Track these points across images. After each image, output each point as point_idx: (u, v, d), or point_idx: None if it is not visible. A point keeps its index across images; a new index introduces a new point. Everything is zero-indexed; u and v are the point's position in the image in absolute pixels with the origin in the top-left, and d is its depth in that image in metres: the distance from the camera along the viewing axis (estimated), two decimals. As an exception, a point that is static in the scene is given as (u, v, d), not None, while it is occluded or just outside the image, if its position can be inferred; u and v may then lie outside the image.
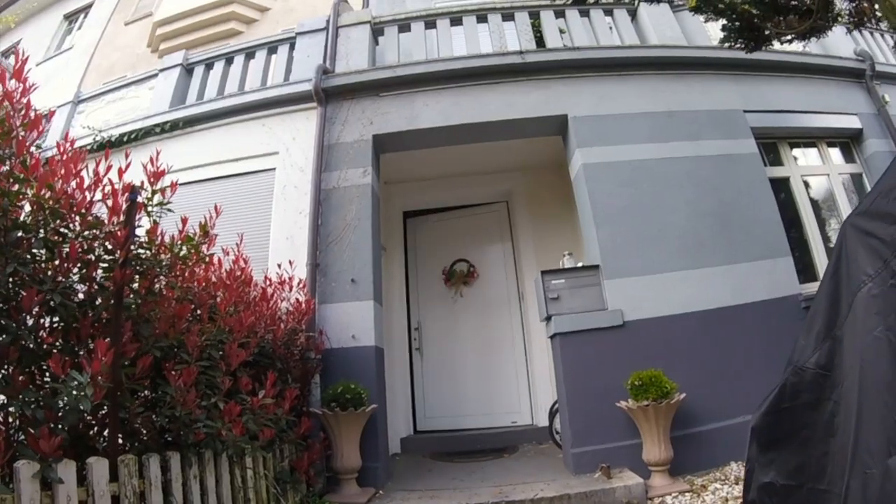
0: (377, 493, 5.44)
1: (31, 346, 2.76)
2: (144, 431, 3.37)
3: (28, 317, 2.71)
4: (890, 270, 1.73)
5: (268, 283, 5.25)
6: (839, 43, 8.06)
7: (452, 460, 6.94)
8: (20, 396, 2.51)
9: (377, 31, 7.95)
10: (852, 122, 7.52)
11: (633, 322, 5.86)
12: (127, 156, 3.60)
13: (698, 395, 5.44)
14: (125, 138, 7.70)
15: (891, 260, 1.74)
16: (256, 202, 6.88)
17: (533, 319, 7.75)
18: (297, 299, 5.64)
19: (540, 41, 7.61)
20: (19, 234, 2.71)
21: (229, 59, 8.26)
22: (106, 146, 3.77)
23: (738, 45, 5.98)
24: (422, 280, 9.08)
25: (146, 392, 3.43)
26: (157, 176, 3.68)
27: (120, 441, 3.12)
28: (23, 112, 2.93)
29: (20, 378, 2.55)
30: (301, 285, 5.83)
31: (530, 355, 8.25)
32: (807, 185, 7.23)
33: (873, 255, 1.82)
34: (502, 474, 5.90)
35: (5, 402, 2.65)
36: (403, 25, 7.86)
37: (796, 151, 7.43)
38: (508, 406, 8.28)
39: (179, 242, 3.86)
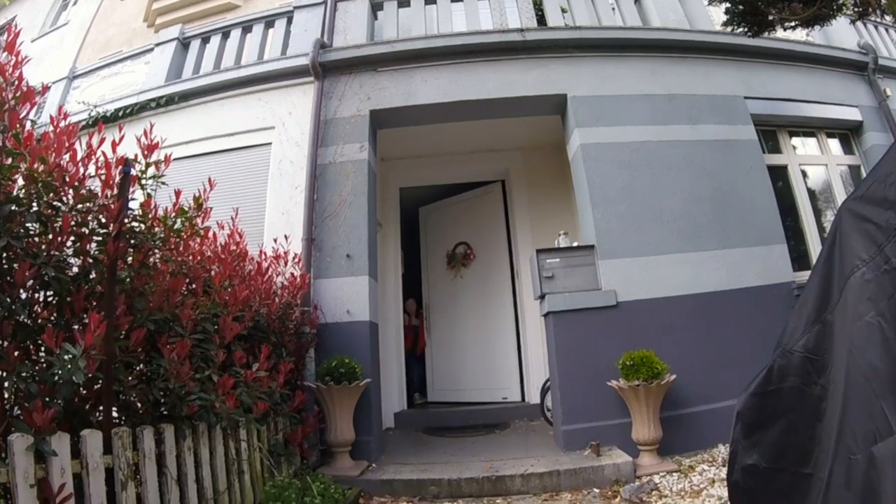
0: (370, 466, 5.51)
1: (26, 320, 2.76)
2: (139, 404, 3.38)
3: (22, 291, 2.70)
4: (884, 256, 1.73)
5: (263, 257, 5.24)
6: (843, 34, 8.05)
7: (444, 435, 7.02)
8: (15, 371, 2.52)
9: (376, 5, 7.85)
10: (853, 114, 7.53)
11: (626, 303, 5.89)
12: (120, 129, 3.57)
13: (689, 377, 5.49)
14: (120, 113, 7.66)
15: (885, 245, 1.73)
16: (252, 177, 6.86)
17: (527, 298, 7.80)
18: (293, 274, 5.64)
19: (541, 19, 7.54)
20: (12, 207, 2.68)
21: (226, 34, 8.17)
22: (100, 121, 3.72)
23: (740, 30, 5.96)
24: (425, 262, 9.54)
25: (141, 365, 3.45)
26: (150, 149, 3.64)
27: (115, 414, 3.12)
28: (15, 85, 2.90)
29: (15, 353, 2.55)
30: (296, 260, 5.83)
31: (523, 333, 8.32)
32: (804, 174, 7.24)
33: (868, 240, 1.82)
34: (493, 450, 5.97)
35: (1, 377, 2.65)
36: (403, 0, 7.78)
37: (795, 140, 7.43)
38: (501, 382, 8.42)
39: (173, 215, 3.84)
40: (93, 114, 7.63)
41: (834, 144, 7.62)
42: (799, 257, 6.63)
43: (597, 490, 4.80)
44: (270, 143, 6.93)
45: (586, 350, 5.71)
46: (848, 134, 7.69)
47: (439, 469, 5.28)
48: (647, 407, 5.12)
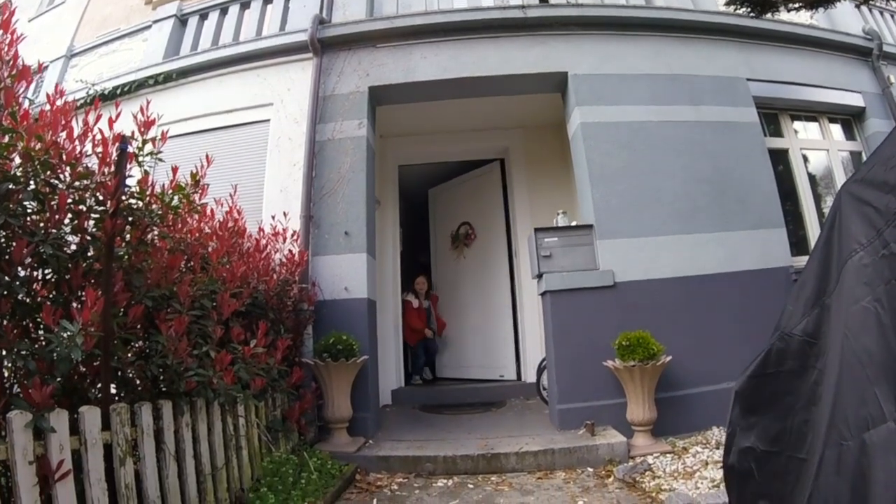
0: (367, 442, 5.56)
1: (25, 298, 2.77)
2: (137, 381, 3.42)
3: (20, 269, 2.71)
4: (882, 240, 1.72)
5: (261, 234, 5.24)
6: (848, 18, 7.99)
7: (441, 412, 7.08)
8: (14, 349, 2.54)
9: (376, -20, 7.78)
10: (855, 100, 7.49)
11: (623, 283, 5.90)
12: (117, 106, 3.55)
13: (685, 358, 5.51)
14: (118, 91, 7.60)
15: (884, 230, 1.72)
16: (250, 154, 6.84)
17: (525, 277, 7.84)
18: (291, 251, 5.65)
19: (542, -4, 7.48)
20: (9, 186, 2.68)
21: (224, 10, 8.09)
22: (97, 98, 3.70)
23: (743, 10, 5.91)
24: (434, 245, 9.80)
25: (139, 342, 3.47)
26: (147, 125, 3.63)
27: (113, 391, 3.15)
28: (10, 63, 2.88)
29: (14, 331, 2.58)
30: (294, 237, 5.83)
31: (521, 312, 8.35)
32: (805, 158, 7.22)
33: (867, 224, 1.81)
34: (489, 427, 6.02)
35: (0, 354, 2.67)
36: (403, -24, 7.68)
37: (797, 124, 7.39)
38: (498, 360, 8.49)
39: (171, 192, 3.84)
40: (91, 92, 7.56)
41: (836, 130, 7.59)
42: (798, 242, 6.64)
43: (591, 469, 4.86)
44: (269, 120, 6.89)
45: (583, 330, 5.73)
46: (850, 120, 7.66)
47: (435, 446, 5.33)
48: (642, 388, 5.14)
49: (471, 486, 4.63)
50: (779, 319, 2.25)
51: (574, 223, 6.43)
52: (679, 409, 5.48)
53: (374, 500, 4.41)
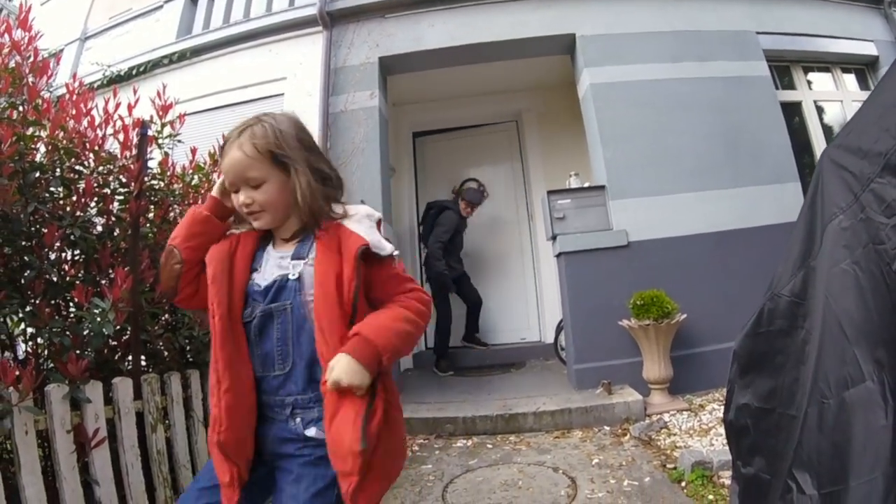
0: (389, 405, 5.68)
1: (55, 279, 2.92)
2: (165, 352, 3.57)
3: (50, 252, 2.86)
4: (860, 205, 1.74)
5: (279, 206, 5.33)
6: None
7: (462, 374, 7.19)
8: (48, 327, 2.66)
9: (382, -50, 7.74)
10: (868, 49, 7.28)
11: (637, 242, 5.93)
12: (135, 91, 3.66)
13: (700, 316, 5.53)
14: (134, 72, 7.70)
15: (860, 194, 1.76)
16: (266, 128, 6.88)
17: (541, 238, 7.82)
18: (308, 221, 5.74)
19: (549, -44, 7.39)
20: (37, 174, 2.82)
21: (233, -14, 8.11)
22: (114, 82, 3.83)
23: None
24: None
25: (166, 315, 3.62)
26: (165, 109, 3.77)
27: (143, 363, 3.31)
28: (31, 60, 3.01)
29: (46, 310, 2.69)
30: (309, 208, 5.92)
31: (539, 273, 8.40)
32: (821, 110, 7.10)
33: (845, 189, 1.83)
34: (508, 388, 6.14)
35: (34, 333, 2.82)
36: (409, -56, 7.63)
37: (811, 76, 7.27)
38: (518, 323, 8.52)
39: (190, 172, 3.97)
40: (106, 73, 7.70)
41: (850, 80, 7.42)
42: (814, 195, 6.56)
43: (607, 428, 4.94)
44: (282, 94, 6.96)
45: (598, 290, 5.78)
46: (864, 69, 7.47)
47: (455, 408, 5.46)
48: (658, 346, 5.20)
49: (489, 445, 4.76)
50: (771, 280, 2.30)
51: (587, 184, 6.44)
52: (695, 367, 5.53)
53: (397, 462, 4.54)
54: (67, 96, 3.16)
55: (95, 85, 7.09)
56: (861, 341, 1.65)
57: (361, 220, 1.76)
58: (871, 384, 1.56)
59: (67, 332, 2.67)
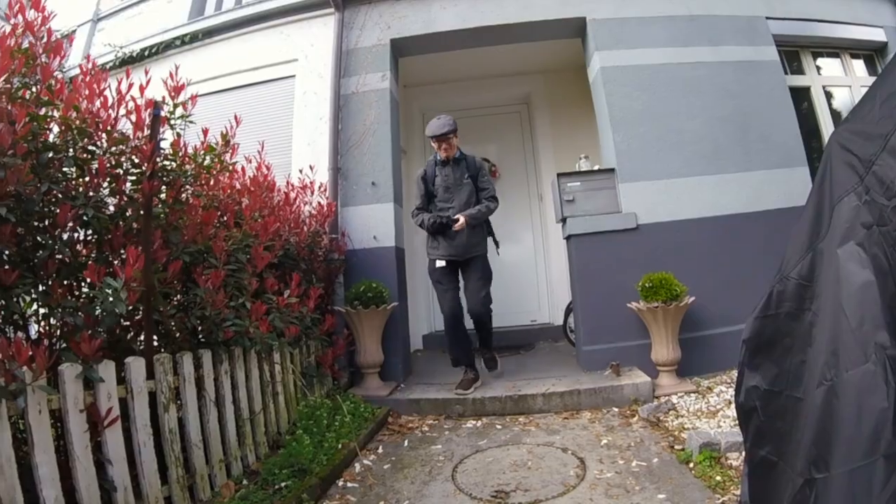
0: (398, 386, 5.78)
1: (68, 259, 2.94)
2: (177, 332, 3.59)
3: (63, 232, 2.88)
4: (864, 187, 1.76)
5: (290, 187, 5.39)
6: (869, -48, 7.70)
7: (471, 356, 7.19)
8: (60, 306, 2.70)
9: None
10: (878, 35, 7.22)
11: (646, 225, 5.95)
12: (147, 73, 3.69)
13: (708, 299, 5.57)
14: (146, 53, 7.73)
15: (865, 176, 1.78)
16: (277, 110, 6.95)
17: (551, 220, 7.85)
18: (319, 203, 5.82)
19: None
20: (50, 154, 2.83)
21: (246, -32, 8.08)
22: (126, 63, 3.85)
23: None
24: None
25: (178, 295, 3.66)
26: (177, 90, 3.78)
27: (155, 342, 3.34)
28: (44, 40, 3.03)
29: (59, 290, 2.73)
30: (322, 189, 6.00)
31: (548, 255, 8.47)
32: (829, 95, 7.08)
33: (851, 171, 1.83)
34: (517, 370, 6.19)
35: (47, 312, 2.86)
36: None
37: (820, 61, 7.22)
38: (528, 305, 8.59)
39: (202, 152, 4.00)
40: (119, 54, 7.72)
41: (858, 66, 7.37)
42: (822, 180, 6.53)
43: (616, 409, 4.99)
44: (294, 76, 6.99)
45: (607, 272, 5.82)
46: (873, 55, 7.40)
47: (464, 388, 5.49)
48: (666, 328, 5.23)
49: (499, 426, 4.81)
50: (781, 262, 2.32)
51: (597, 167, 6.45)
52: (704, 349, 5.57)
53: (406, 441, 4.60)
54: (80, 77, 3.16)
55: (108, 66, 7.13)
56: (864, 323, 1.67)
57: None
58: (872, 366, 1.57)
59: (80, 312, 2.70)
